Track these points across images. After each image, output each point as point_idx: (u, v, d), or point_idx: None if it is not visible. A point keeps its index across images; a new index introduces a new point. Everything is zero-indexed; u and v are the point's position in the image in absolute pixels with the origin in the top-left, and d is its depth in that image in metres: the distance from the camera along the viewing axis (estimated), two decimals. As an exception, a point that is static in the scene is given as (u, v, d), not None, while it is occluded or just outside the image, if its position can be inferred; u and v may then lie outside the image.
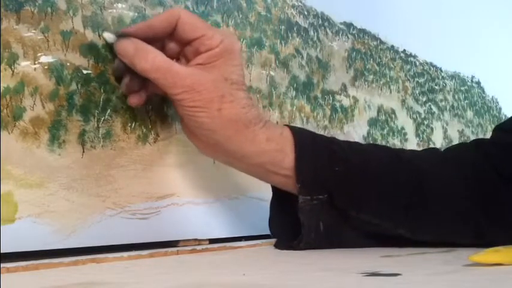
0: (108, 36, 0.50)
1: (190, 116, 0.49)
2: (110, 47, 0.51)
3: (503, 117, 1.41)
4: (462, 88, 1.26)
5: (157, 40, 0.51)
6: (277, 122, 0.73)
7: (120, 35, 0.50)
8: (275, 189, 0.57)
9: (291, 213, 0.54)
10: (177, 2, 0.61)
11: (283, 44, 0.77)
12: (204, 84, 0.48)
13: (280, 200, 0.56)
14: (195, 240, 0.58)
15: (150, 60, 0.47)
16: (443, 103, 1.18)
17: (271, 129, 0.52)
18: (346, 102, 0.87)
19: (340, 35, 0.89)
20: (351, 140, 0.87)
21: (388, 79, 1.00)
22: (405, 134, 1.02)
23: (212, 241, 0.59)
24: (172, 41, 0.51)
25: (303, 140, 0.53)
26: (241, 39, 0.70)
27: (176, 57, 0.53)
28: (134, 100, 0.52)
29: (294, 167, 0.51)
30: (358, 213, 0.53)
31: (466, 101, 1.27)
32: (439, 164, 0.57)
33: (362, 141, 0.90)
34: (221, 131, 0.50)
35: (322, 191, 0.52)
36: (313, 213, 0.52)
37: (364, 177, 0.54)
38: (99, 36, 0.53)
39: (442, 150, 0.64)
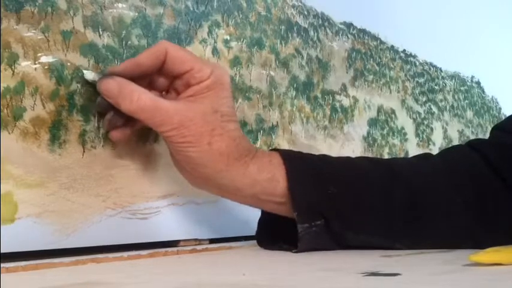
0: (90, 75, 0.49)
1: (180, 151, 0.48)
2: (92, 84, 0.49)
3: (503, 117, 1.41)
4: (462, 88, 1.26)
5: (145, 76, 0.50)
6: (277, 122, 0.73)
7: (106, 74, 0.48)
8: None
9: (282, 229, 0.53)
10: (177, 2, 0.61)
11: (283, 44, 0.77)
12: (193, 119, 0.47)
13: (270, 217, 0.55)
14: (195, 240, 0.58)
15: (135, 100, 0.46)
16: (443, 103, 1.18)
17: (261, 159, 0.51)
18: (346, 102, 0.87)
19: (340, 35, 0.89)
20: (351, 140, 0.87)
21: (388, 79, 1.00)
22: (405, 134, 1.02)
23: (212, 241, 0.59)
24: (160, 75, 0.50)
25: (294, 165, 0.51)
26: (241, 39, 0.70)
27: (165, 90, 0.52)
28: (117, 134, 0.50)
29: (287, 194, 0.51)
30: (355, 234, 0.52)
31: (466, 101, 1.27)
32: (434, 174, 0.56)
33: (362, 141, 0.90)
34: (212, 164, 0.48)
35: (318, 216, 0.51)
36: (312, 240, 0.51)
37: (358, 198, 0.52)
38: (100, 36, 0.53)
39: (436, 154, 0.62)
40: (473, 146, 0.60)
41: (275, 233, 0.55)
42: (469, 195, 0.54)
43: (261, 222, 0.56)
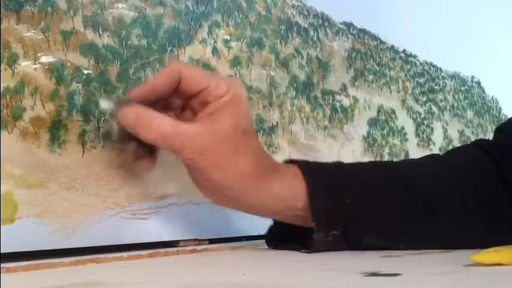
0: (105, 104, 0.48)
1: (204, 175, 0.46)
2: (110, 112, 0.48)
3: (503, 118, 1.41)
4: (462, 88, 1.26)
5: (161, 99, 0.48)
6: (277, 123, 0.73)
7: (121, 102, 0.47)
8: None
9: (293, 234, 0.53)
10: (177, 2, 0.61)
11: (283, 44, 0.77)
12: (217, 141, 0.46)
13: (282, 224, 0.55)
14: (195, 240, 0.58)
15: (155, 127, 0.45)
16: (443, 103, 1.18)
17: (283, 173, 0.50)
18: (346, 102, 0.87)
19: (340, 35, 0.89)
20: (351, 140, 0.87)
21: (388, 79, 1.00)
22: (405, 134, 1.02)
23: (212, 241, 0.59)
24: (176, 96, 0.49)
25: (312, 178, 0.50)
26: (241, 39, 0.70)
27: (181, 109, 0.50)
28: (147, 165, 0.49)
29: (307, 207, 0.50)
30: (372, 240, 0.52)
31: (466, 101, 1.27)
32: (442, 175, 0.56)
33: (362, 141, 0.90)
34: (238, 185, 0.47)
35: (336, 227, 0.51)
36: (326, 247, 0.51)
37: (375, 206, 0.52)
38: (100, 36, 0.53)
39: (442, 155, 0.62)
40: (478, 146, 0.60)
41: (286, 235, 0.54)
42: (477, 197, 0.54)
43: (273, 226, 0.56)
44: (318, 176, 0.51)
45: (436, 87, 1.16)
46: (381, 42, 0.99)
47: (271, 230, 0.56)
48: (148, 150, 0.49)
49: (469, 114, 1.27)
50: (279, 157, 0.72)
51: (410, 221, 0.53)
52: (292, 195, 0.50)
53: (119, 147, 0.49)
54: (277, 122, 0.73)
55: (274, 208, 0.50)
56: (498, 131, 0.62)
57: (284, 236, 0.54)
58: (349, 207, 0.51)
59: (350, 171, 0.55)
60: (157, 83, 0.47)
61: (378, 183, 0.54)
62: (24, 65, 0.47)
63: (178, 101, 0.49)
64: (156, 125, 0.45)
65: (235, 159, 0.46)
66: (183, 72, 0.47)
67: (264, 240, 0.58)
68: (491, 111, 1.37)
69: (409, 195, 0.53)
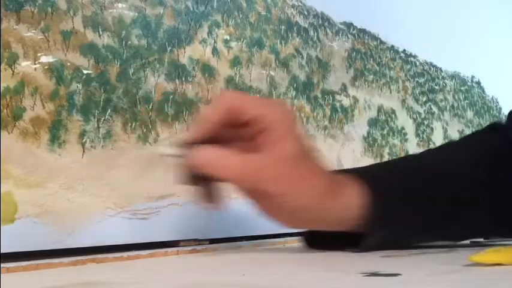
0: (167, 150, 0.47)
1: (278, 203, 0.45)
2: (171, 156, 0.47)
3: (503, 118, 1.41)
4: (462, 88, 1.26)
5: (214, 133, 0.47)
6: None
7: (185, 145, 0.45)
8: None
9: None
10: (177, 2, 0.61)
11: (283, 44, 0.77)
12: (286, 168, 0.45)
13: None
14: (195, 240, 0.58)
15: (231, 167, 0.44)
16: (443, 103, 1.18)
17: (346, 186, 0.49)
18: (346, 102, 0.87)
19: (340, 35, 0.89)
20: (351, 140, 0.87)
21: (388, 79, 1.00)
22: (405, 134, 1.02)
23: (212, 241, 0.59)
24: (224, 127, 0.47)
25: (369, 186, 0.50)
26: (241, 39, 0.70)
27: (231, 140, 0.48)
28: (224, 205, 0.48)
29: (367, 215, 0.49)
30: (421, 238, 0.52)
31: (466, 101, 1.27)
32: (467, 163, 0.56)
33: (362, 141, 0.90)
34: (311, 208, 0.47)
35: (389, 230, 0.50)
36: (372, 246, 0.51)
37: (424, 205, 0.52)
38: (100, 36, 0.53)
39: (461, 139, 0.63)
40: (494, 129, 0.61)
41: (330, 235, 0.54)
42: (502, 184, 0.54)
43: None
44: (374, 183, 0.50)
45: (436, 87, 1.16)
46: (381, 42, 0.99)
47: (311, 231, 0.55)
48: (218, 189, 0.48)
49: (469, 114, 1.27)
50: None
51: (458, 213, 0.53)
52: (357, 204, 0.49)
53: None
54: (277, 122, 0.73)
55: (347, 222, 0.50)
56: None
57: (327, 237, 0.53)
58: (409, 209, 0.51)
59: (403, 172, 0.55)
60: (213, 118, 0.46)
61: (420, 180, 0.54)
62: (24, 65, 0.47)
63: (227, 131, 0.47)
64: (232, 163, 0.44)
65: (305, 183, 0.46)
66: (235, 102, 0.46)
67: (264, 241, 0.58)
68: (491, 111, 1.37)
69: (445, 189, 0.53)
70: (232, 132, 0.47)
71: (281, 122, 0.46)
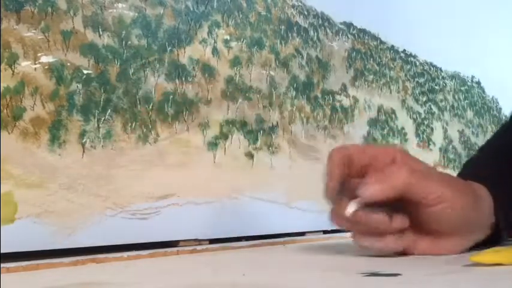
0: (354, 205, 0.45)
1: (444, 212, 0.46)
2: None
3: (503, 117, 1.41)
4: (462, 88, 1.26)
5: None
6: (277, 123, 0.73)
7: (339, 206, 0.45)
8: None
9: None
10: (177, 2, 0.61)
11: (283, 44, 0.77)
12: (448, 192, 0.45)
13: None
14: (195, 240, 0.58)
15: (402, 175, 0.45)
16: (443, 103, 1.18)
17: (479, 196, 0.50)
18: (346, 102, 0.87)
19: (340, 35, 0.89)
20: (351, 140, 0.87)
21: (388, 79, 1.00)
22: (405, 134, 1.02)
23: (212, 241, 0.59)
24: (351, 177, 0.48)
25: (498, 193, 0.51)
26: (241, 39, 0.70)
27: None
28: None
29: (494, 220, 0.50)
30: None
31: (466, 101, 1.27)
32: None
33: (362, 141, 0.90)
34: (467, 223, 0.47)
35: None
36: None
37: None
38: (100, 36, 0.53)
39: None
40: None
41: None
42: None
43: None
44: (498, 190, 0.51)
45: (436, 87, 1.16)
46: (381, 42, 0.99)
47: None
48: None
49: (469, 114, 1.27)
50: (279, 157, 0.72)
51: None
52: (491, 212, 0.50)
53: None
54: (277, 122, 0.73)
55: (485, 232, 0.50)
56: None
57: None
58: None
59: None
60: (338, 173, 0.47)
61: None
62: (24, 65, 0.47)
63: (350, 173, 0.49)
64: (400, 172, 0.45)
65: (457, 202, 0.46)
66: (351, 151, 0.48)
67: (264, 241, 0.58)
68: (491, 111, 1.37)
69: None
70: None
71: (400, 154, 0.48)
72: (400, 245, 0.46)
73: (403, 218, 0.46)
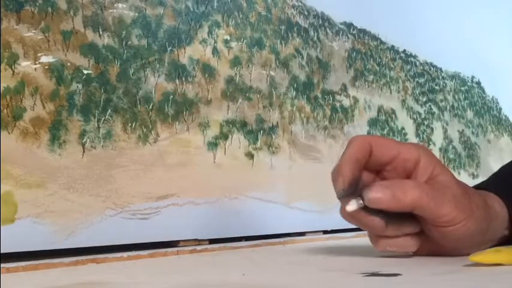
0: (355, 204, 0.44)
1: (455, 232, 0.44)
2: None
3: (503, 118, 1.41)
4: (462, 88, 1.26)
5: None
6: (277, 123, 0.73)
7: (349, 191, 0.44)
8: None
9: None
10: (177, 2, 0.61)
11: (283, 44, 0.77)
12: (460, 215, 0.44)
13: None
14: (195, 240, 0.58)
15: (409, 194, 0.43)
16: (443, 103, 1.18)
17: (491, 204, 0.49)
18: (346, 102, 0.87)
19: (340, 35, 0.89)
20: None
21: (388, 79, 1.00)
22: (405, 134, 1.02)
23: (212, 241, 0.59)
24: (365, 169, 0.47)
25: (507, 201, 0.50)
26: (242, 39, 0.70)
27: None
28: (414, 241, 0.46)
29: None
30: None
31: (466, 101, 1.27)
32: None
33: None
34: (480, 230, 0.46)
35: None
36: None
37: None
38: (100, 36, 0.53)
39: None
40: None
41: None
42: None
43: None
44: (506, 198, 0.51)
45: (436, 87, 1.16)
46: (381, 42, 0.99)
47: None
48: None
49: (469, 114, 1.27)
50: (279, 157, 0.72)
51: None
52: (504, 217, 0.50)
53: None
54: (278, 122, 0.73)
55: (495, 240, 0.50)
56: None
57: None
58: None
59: None
60: (358, 156, 0.45)
61: None
62: (24, 65, 0.47)
63: (368, 173, 0.47)
64: (413, 188, 0.43)
65: (470, 225, 0.45)
66: (373, 142, 0.46)
67: (264, 241, 0.58)
68: (491, 111, 1.37)
69: None
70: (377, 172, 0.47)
71: (423, 155, 0.46)
72: (412, 246, 0.45)
73: (400, 227, 0.45)
